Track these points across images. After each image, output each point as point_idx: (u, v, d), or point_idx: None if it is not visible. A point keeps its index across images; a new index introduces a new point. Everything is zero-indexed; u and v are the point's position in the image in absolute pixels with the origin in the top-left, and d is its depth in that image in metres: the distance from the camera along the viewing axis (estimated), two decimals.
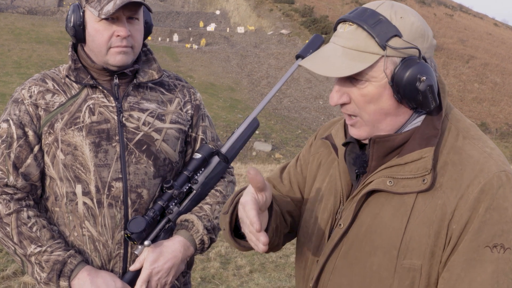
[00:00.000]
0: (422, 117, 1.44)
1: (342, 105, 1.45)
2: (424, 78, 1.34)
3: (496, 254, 1.30)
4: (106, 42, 1.96)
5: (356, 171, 1.52)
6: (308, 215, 1.66)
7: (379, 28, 1.35)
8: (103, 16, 1.91)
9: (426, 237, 1.35)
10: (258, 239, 1.35)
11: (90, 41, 1.99)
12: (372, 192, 1.45)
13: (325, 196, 1.61)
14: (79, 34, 1.99)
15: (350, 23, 1.39)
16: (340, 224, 1.50)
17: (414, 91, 1.35)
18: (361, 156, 1.51)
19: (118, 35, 1.95)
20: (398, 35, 1.35)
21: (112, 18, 1.94)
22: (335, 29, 1.48)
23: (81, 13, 1.98)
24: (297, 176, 1.78)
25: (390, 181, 1.41)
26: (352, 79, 1.40)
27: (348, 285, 1.47)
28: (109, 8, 1.90)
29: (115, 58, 1.97)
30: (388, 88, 1.38)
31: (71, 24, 1.98)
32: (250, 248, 1.50)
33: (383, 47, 1.34)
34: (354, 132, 1.48)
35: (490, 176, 1.33)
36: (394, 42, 1.35)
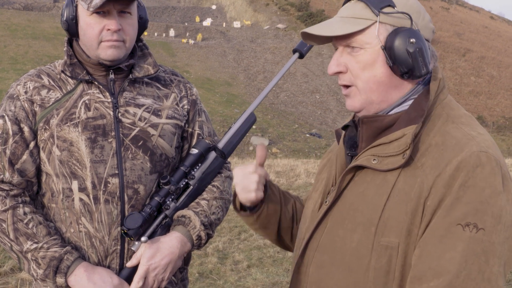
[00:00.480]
0: (410, 101, 1.49)
1: (339, 75, 1.53)
2: (414, 40, 1.41)
3: (467, 233, 1.29)
4: (97, 36, 1.95)
5: (348, 152, 1.58)
6: (308, 203, 1.73)
7: None
8: (91, 9, 1.90)
9: (403, 215, 1.37)
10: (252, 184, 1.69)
11: (82, 35, 1.99)
12: (358, 171, 1.51)
13: (322, 183, 1.68)
14: (72, 29, 1.99)
15: (351, 1, 1.52)
16: (326, 201, 1.56)
17: (404, 53, 1.41)
18: (353, 138, 1.58)
19: (109, 29, 1.94)
20: (391, 5, 1.45)
21: (104, 12, 1.94)
22: None
23: (74, 7, 1.97)
24: None
25: (374, 159, 1.45)
26: (349, 49, 1.49)
27: (330, 263, 1.50)
28: (97, 1, 1.89)
29: (106, 52, 1.96)
30: (382, 55, 1.45)
31: (64, 19, 1.99)
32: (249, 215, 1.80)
33: (377, 14, 1.44)
34: (349, 103, 1.54)
35: (468, 154, 1.34)
36: (388, 10, 1.45)
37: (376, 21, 1.44)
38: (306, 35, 1.56)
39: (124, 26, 1.97)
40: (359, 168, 1.50)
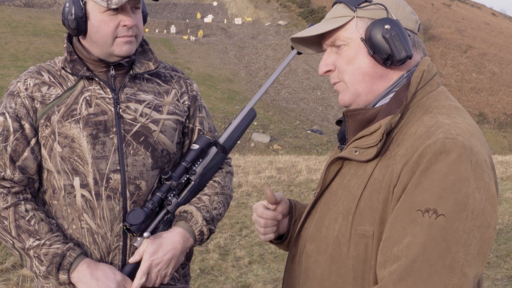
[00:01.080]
0: (392, 94, 1.54)
1: (330, 75, 1.61)
2: (388, 26, 1.47)
3: (427, 219, 1.29)
4: (113, 32, 1.96)
5: (339, 146, 1.66)
6: None
7: None
8: (113, 6, 1.90)
9: (376, 203, 1.41)
10: (265, 227, 1.80)
11: (94, 32, 1.98)
12: (345, 163, 1.56)
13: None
14: (81, 26, 1.97)
15: (334, 6, 1.62)
16: (314, 193, 1.64)
17: (381, 40, 1.47)
18: (342, 131, 1.67)
19: (125, 25, 1.95)
20: (368, 0, 1.53)
21: (118, 8, 1.94)
22: None
23: (83, 5, 1.96)
24: None
25: (356, 151, 1.50)
26: (335, 48, 1.58)
27: (316, 251, 1.55)
28: None
29: (122, 48, 1.98)
30: (363, 47, 1.52)
31: (73, 17, 1.96)
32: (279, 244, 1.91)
33: (353, 10, 1.53)
34: (340, 98, 1.62)
35: (433, 141, 1.34)
36: (364, 5, 1.54)
37: (354, 17, 1.53)
38: (296, 41, 1.68)
39: (136, 22, 1.99)
40: (346, 160, 1.55)
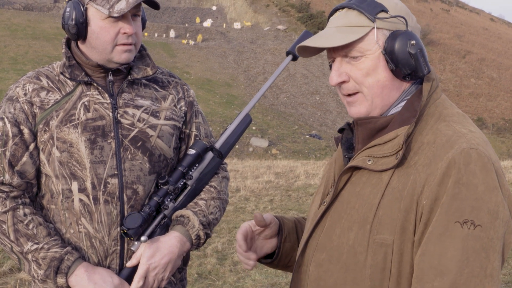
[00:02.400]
0: (403, 102, 1.53)
1: (341, 85, 1.54)
2: (414, 42, 1.45)
3: (466, 230, 1.31)
4: (112, 39, 1.97)
5: (345, 154, 1.62)
6: (311, 206, 1.77)
7: (367, 5, 1.49)
8: (115, 15, 1.92)
9: (397, 212, 1.40)
10: (245, 258, 1.76)
11: (94, 38, 1.99)
12: (355, 171, 1.53)
13: (322, 184, 1.71)
14: (81, 32, 1.98)
15: (340, 10, 1.54)
16: (324, 202, 1.59)
17: (406, 55, 1.45)
18: (349, 140, 1.63)
19: (125, 33, 1.96)
20: (384, 10, 1.48)
21: (118, 16, 1.95)
22: (327, 21, 1.61)
23: (84, 10, 1.98)
24: None
25: (369, 160, 1.48)
26: (349, 58, 1.51)
27: (328, 260, 1.52)
28: (122, 6, 1.91)
29: (121, 56, 1.99)
30: (382, 59, 1.49)
31: (73, 22, 1.97)
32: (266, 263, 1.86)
33: (373, 20, 1.47)
34: (354, 111, 1.55)
35: (459, 151, 1.36)
36: (382, 15, 1.48)
37: (373, 27, 1.47)
38: (303, 48, 1.58)
39: (136, 29, 2.00)
40: (356, 169, 1.53)
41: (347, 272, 1.47)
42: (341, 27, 1.50)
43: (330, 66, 1.59)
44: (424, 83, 1.51)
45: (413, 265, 1.39)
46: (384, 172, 1.46)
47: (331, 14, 1.59)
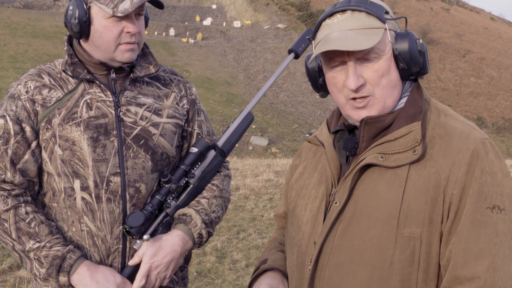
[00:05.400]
0: (404, 99, 1.58)
1: (360, 90, 1.52)
2: (420, 40, 1.52)
3: (495, 215, 1.39)
4: (116, 38, 1.96)
5: (347, 153, 1.60)
6: (298, 209, 1.71)
7: (372, 7, 1.51)
8: (119, 14, 1.91)
9: (423, 205, 1.43)
10: None
11: (97, 37, 1.98)
12: (365, 170, 1.54)
13: (315, 188, 1.68)
14: (84, 30, 1.98)
15: (341, 13, 1.52)
16: (336, 203, 1.56)
17: (417, 54, 1.51)
18: (351, 139, 1.61)
19: (128, 32, 1.96)
20: (387, 11, 1.53)
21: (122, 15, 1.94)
22: (319, 25, 1.58)
23: (87, 9, 1.97)
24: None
25: (381, 157, 1.50)
26: (362, 61, 1.51)
27: (349, 262, 1.50)
28: (126, 6, 1.91)
29: (124, 55, 1.99)
30: (392, 60, 1.53)
31: (76, 20, 1.96)
32: None
33: (383, 21, 1.50)
34: (365, 113, 1.54)
35: (477, 141, 1.45)
36: (388, 16, 1.53)
37: (385, 29, 1.51)
38: (326, 52, 1.52)
39: (139, 29, 2.00)
40: (364, 166, 1.53)
41: (373, 270, 1.46)
42: (357, 29, 1.48)
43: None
44: (419, 79, 1.58)
45: (439, 254, 1.43)
46: (399, 167, 1.47)
47: (328, 17, 1.55)
